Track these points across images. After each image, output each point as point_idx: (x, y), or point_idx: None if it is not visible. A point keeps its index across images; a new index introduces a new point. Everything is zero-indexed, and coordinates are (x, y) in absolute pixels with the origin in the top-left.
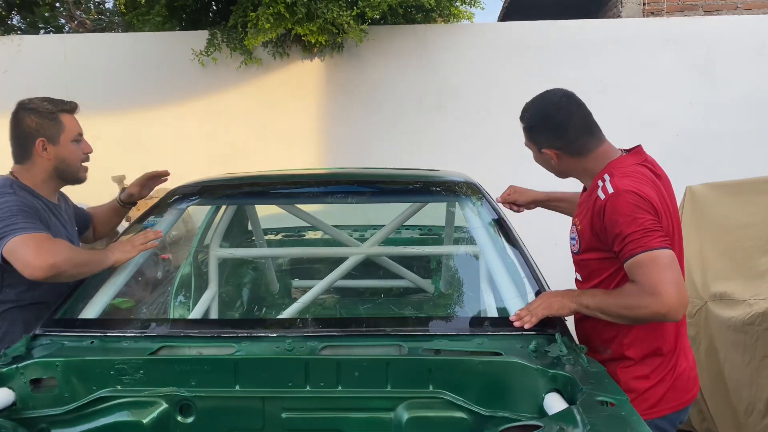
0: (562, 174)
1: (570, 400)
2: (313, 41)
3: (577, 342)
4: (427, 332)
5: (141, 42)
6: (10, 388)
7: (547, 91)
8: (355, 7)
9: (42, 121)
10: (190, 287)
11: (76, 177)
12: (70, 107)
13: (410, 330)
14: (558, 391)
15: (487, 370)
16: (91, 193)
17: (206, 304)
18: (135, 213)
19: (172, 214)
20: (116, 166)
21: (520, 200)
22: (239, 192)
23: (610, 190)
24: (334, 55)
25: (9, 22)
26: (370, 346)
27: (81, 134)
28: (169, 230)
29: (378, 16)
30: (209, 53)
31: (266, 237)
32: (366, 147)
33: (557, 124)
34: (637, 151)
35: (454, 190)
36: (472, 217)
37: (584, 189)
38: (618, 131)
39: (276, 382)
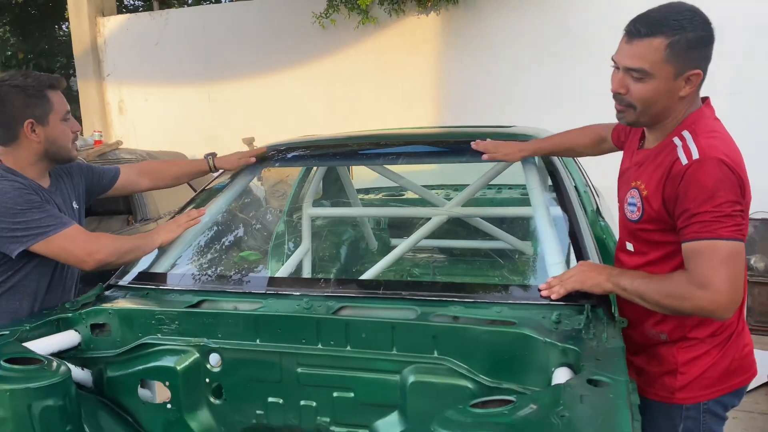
0: (659, 118)
1: None
2: None
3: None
4: (443, 298)
5: (266, 8)
6: (76, 330)
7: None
8: None
9: (28, 100)
10: (286, 244)
11: (68, 157)
12: (58, 82)
13: (426, 295)
14: (570, 366)
15: (492, 339)
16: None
17: (298, 259)
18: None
19: (246, 177)
20: (247, 128)
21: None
22: (316, 154)
23: (695, 154)
24: (449, 8)
25: None
26: (385, 308)
27: (69, 112)
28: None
29: None
30: (328, 15)
31: (367, 196)
32: (483, 102)
33: (712, 40)
34: (708, 102)
35: None
36: (531, 176)
37: (638, 143)
38: None
39: (291, 338)
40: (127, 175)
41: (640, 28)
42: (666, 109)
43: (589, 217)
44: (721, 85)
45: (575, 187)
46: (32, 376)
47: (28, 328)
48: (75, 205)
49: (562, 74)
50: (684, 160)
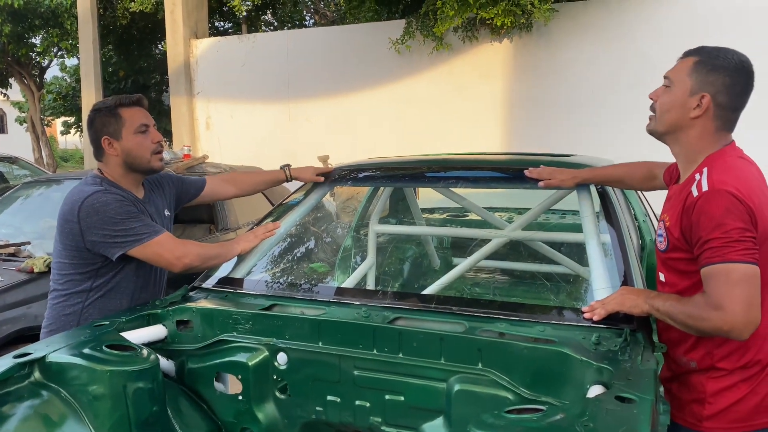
0: (670, 129)
1: None
2: (498, 24)
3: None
4: (491, 315)
5: (346, 34)
6: (164, 325)
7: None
8: None
9: (104, 119)
10: (352, 257)
11: (149, 167)
12: (129, 101)
13: (475, 311)
14: (605, 384)
15: (531, 355)
16: None
17: (363, 272)
18: None
19: (318, 194)
20: (323, 147)
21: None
22: (382, 175)
23: (705, 187)
24: (523, 36)
25: (263, 17)
26: (436, 321)
27: (145, 125)
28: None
29: None
30: (404, 41)
31: (432, 215)
32: (555, 129)
33: (741, 82)
34: (733, 144)
35: None
36: (584, 204)
37: (675, 180)
38: None
39: (349, 343)
40: (214, 184)
41: (688, 50)
42: (677, 126)
43: (647, 246)
44: None
45: (634, 216)
46: (128, 361)
47: (124, 320)
48: (166, 213)
49: (638, 102)
50: (695, 193)
